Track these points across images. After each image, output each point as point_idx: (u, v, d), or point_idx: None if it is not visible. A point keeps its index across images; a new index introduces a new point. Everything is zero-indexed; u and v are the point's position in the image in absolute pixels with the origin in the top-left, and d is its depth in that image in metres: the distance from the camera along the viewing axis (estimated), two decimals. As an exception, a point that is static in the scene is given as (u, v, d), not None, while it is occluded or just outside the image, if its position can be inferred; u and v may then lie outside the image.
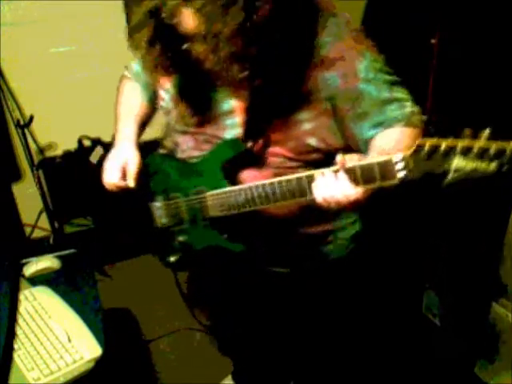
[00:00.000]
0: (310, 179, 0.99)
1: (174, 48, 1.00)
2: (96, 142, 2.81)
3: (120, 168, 1.29)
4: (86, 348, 1.20)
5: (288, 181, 1.02)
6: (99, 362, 1.18)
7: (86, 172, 2.78)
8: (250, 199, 1.10)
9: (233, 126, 1.16)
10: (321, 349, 1.46)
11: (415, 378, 1.93)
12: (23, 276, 1.47)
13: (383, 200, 0.99)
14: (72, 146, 2.79)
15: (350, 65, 1.04)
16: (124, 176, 1.28)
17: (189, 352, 2.27)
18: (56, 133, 2.77)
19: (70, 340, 1.22)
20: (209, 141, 1.21)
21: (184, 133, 1.26)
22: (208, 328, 1.61)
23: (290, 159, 1.15)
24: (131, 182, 1.27)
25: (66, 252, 1.63)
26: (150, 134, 3.13)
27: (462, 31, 2.08)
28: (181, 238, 1.31)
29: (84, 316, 1.29)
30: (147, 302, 2.54)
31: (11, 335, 1.21)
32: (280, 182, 1.04)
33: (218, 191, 1.16)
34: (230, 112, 1.15)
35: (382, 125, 1.07)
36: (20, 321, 1.27)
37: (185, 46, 0.98)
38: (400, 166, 0.88)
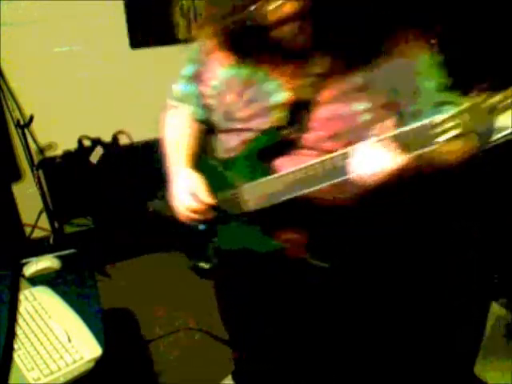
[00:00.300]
0: (345, 156, 0.96)
1: (248, 29, 0.97)
2: (96, 141, 2.81)
3: (189, 193, 1.24)
4: (86, 348, 1.20)
5: (322, 161, 0.98)
6: (99, 362, 1.18)
7: (86, 172, 2.79)
8: (287, 187, 1.05)
9: (282, 120, 1.11)
10: (339, 351, 1.40)
11: (415, 377, 1.93)
12: (23, 276, 1.47)
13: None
14: (72, 145, 2.80)
15: (411, 58, 1.01)
16: (197, 198, 1.23)
17: (189, 352, 2.27)
18: (56, 133, 2.77)
19: (70, 340, 1.22)
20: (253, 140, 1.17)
21: (229, 131, 1.22)
22: (229, 333, 1.55)
23: None
24: (208, 199, 1.21)
25: (66, 252, 1.62)
26: (150, 134, 3.13)
27: (462, 31, 2.08)
28: (214, 240, 1.28)
29: (84, 316, 1.29)
30: (147, 302, 2.54)
31: (11, 335, 1.20)
32: (313, 165, 1.00)
33: (253, 183, 1.13)
34: (281, 105, 1.10)
35: None
36: (20, 321, 1.27)
37: (274, 33, 0.95)
38: (439, 129, 0.84)
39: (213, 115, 1.25)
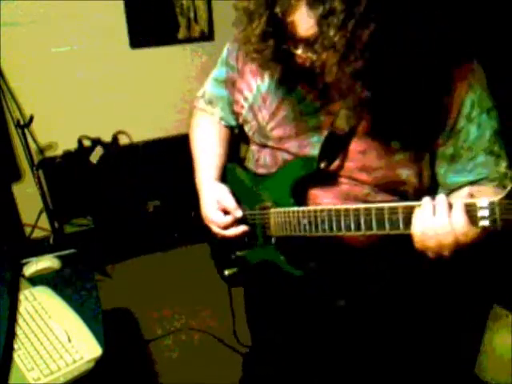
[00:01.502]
0: (409, 210, 0.87)
1: (283, 49, 0.89)
2: (96, 141, 2.81)
3: (219, 208, 1.20)
4: (85, 348, 1.20)
5: (378, 209, 0.90)
6: (99, 362, 1.18)
7: (86, 172, 2.79)
8: (319, 223, 1.00)
9: (320, 144, 1.04)
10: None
11: (416, 378, 1.93)
12: (23, 276, 1.47)
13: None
14: (72, 146, 2.80)
15: (456, 94, 0.93)
16: (226, 212, 1.19)
17: (189, 352, 2.27)
18: (56, 133, 2.77)
19: (70, 340, 1.21)
20: (289, 160, 1.10)
21: (262, 146, 1.16)
22: (254, 340, 1.53)
23: (373, 189, 1.03)
24: (238, 213, 1.16)
25: (66, 252, 1.62)
26: (150, 134, 3.14)
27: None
28: (238, 252, 1.26)
29: (84, 316, 1.29)
30: (147, 302, 2.54)
31: (11, 335, 1.20)
32: (367, 209, 0.91)
33: (282, 209, 1.08)
34: (317, 128, 1.04)
35: (467, 174, 0.98)
36: (20, 321, 1.27)
37: (299, 52, 0.87)
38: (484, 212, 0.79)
39: (245, 125, 1.20)
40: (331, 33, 0.78)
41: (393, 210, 0.89)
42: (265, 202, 1.15)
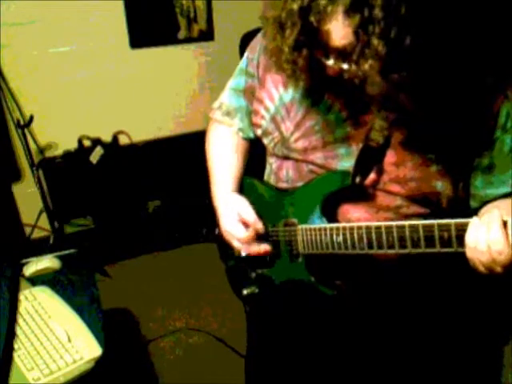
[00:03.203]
0: (461, 227, 0.83)
1: (315, 58, 0.86)
2: (96, 141, 2.82)
3: (239, 221, 1.15)
4: (85, 348, 1.20)
5: (427, 226, 0.85)
6: (99, 362, 1.18)
7: (86, 172, 2.79)
8: (356, 240, 0.95)
9: (348, 156, 1.00)
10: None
11: (415, 377, 1.92)
12: (23, 276, 1.47)
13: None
14: (72, 145, 2.80)
15: (493, 104, 0.91)
16: (246, 225, 1.14)
17: (189, 352, 2.27)
18: (56, 133, 2.77)
19: (70, 340, 1.22)
20: (314, 172, 1.06)
21: (284, 159, 1.12)
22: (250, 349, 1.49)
23: (406, 200, 0.99)
24: (258, 225, 1.12)
25: (66, 252, 1.62)
26: (150, 134, 3.14)
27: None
28: (259, 271, 1.20)
29: (84, 316, 1.29)
30: (147, 302, 2.54)
31: (11, 335, 1.20)
32: (413, 226, 0.87)
33: (312, 226, 1.03)
34: (345, 139, 1.00)
35: (503, 186, 0.96)
36: (20, 321, 1.27)
37: (330, 63, 0.85)
38: None
39: (264, 138, 1.15)
40: (373, 41, 0.75)
41: (444, 227, 0.84)
42: (289, 218, 1.10)
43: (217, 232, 1.29)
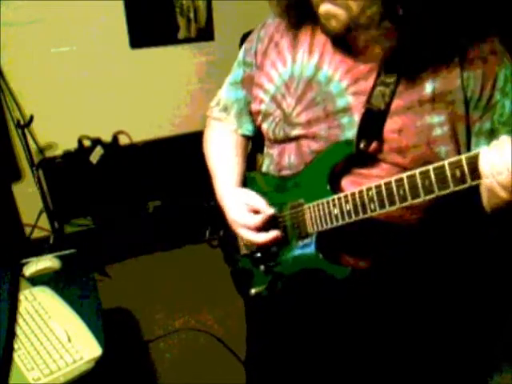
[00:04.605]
0: (473, 159, 0.81)
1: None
2: (96, 141, 2.82)
3: (248, 210, 1.14)
4: (85, 348, 1.20)
5: (438, 168, 0.84)
6: (99, 362, 1.18)
7: (86, 172, 2.79)
8: (367, 202, 0.94)
9: (350, 126, 1.01)
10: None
11: (416, 377, 1.92)
12: (23, 276, 1.47)
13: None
14: (72, 145, 2.80)
15: (490, 69, 0.92)
16: (256, 212, 1.13)
17: (189, 352, 2.27)
18: (56, 133, 2.77)
19: (70, 340, 1.22)
20: (315, 151, 1.06)
21: (286, 141, 1.12)
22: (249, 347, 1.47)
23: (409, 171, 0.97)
24: (269, 210, 1.11)
25: (66, 252, 1.62)
26: (151, 134, 3.14)
27: None
28: (268, 265, 1.18)
29: (84, 316, 1.29)
30: (147, 302, 2.54)
31: (11, 335, 1.21)
32: (424, 172, 0.85)
33: (320, 201, 1.02)
34: (346, 109, 1.01)
35: None
36: (20, 321, 1.27)
37: (328, 6, 0.90)
38: None
39: (264, 123, 1.15)
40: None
41: (455, 164, 0.83)
42: (295, 200, 1.09)
43: (221, 234, 1.29)
